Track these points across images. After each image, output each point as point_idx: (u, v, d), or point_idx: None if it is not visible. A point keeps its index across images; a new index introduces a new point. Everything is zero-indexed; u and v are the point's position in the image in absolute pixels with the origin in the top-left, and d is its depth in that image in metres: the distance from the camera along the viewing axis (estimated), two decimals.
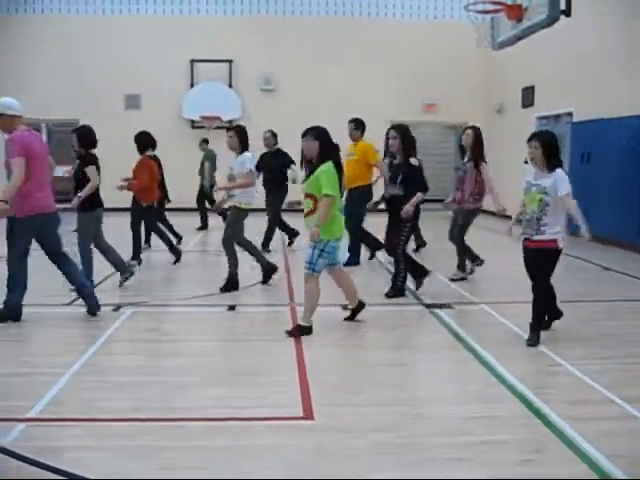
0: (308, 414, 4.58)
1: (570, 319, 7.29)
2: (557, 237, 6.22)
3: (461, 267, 9.23)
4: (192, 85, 19.50)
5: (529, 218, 6.27)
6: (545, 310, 6.54)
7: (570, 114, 14.63)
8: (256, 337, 6.54)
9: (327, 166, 6.36)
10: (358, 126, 10.50)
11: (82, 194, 8.06)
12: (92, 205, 8.22)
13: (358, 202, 10.04)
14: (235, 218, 8.62)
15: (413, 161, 8.08)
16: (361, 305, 7.06)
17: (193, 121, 19.27)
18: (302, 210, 6.63)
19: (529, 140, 6.34)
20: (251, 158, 8.69)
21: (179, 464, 3.87)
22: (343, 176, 6.71)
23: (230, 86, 19.53)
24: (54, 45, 18.92)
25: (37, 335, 6.71)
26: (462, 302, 7.96)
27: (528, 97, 16.72)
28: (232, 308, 7.69)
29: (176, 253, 10.68)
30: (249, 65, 19.38)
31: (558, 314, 6.75)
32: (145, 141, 10.53)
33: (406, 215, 7.96)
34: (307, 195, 6.48)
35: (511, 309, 7.59)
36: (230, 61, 19.46)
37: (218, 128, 19.13)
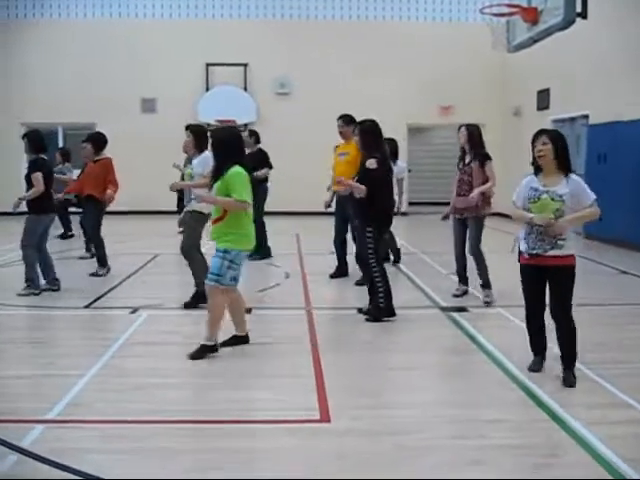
0: (325, 417, 4.60)
1: (587, 323, 7.26)
2: (574, 252, 5.42)
3: (487, 285, 8.19)
4: (207, 89, 19.58)
5: (541, 230, 5.26)
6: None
7: (586, 116, 14.58)
8: (273, 340, 6.56)
9: (237, 169, 5.87)
10: (349, 122, 9.29)
11: (22, 197, 8.44)
12: (45, 209, 8.44)
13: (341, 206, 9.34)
14: (195, 224, 7.71)
15: (369, 163, 7.16)
16: (245, 339, 6.39)
17: (208, 125, 19.32)
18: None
19: (536, 137, 5.37)
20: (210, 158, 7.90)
21: (197, 466, 3.89)
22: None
23: (245, 90, 19.60)
24: (70, 49, 19.06)
25: (55, 337, 6.77)
26: (478, 306, 7.95)
27: (544, 100, 16.68)
28: (249, 311, 7.71)
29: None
30: (264, 69, 19.44)
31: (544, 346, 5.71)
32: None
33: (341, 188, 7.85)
34: None
35: None
36: (245, 65, 19.53)
37: None
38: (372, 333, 6.94)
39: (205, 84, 19.59)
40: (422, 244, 13.04)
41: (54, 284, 8.70)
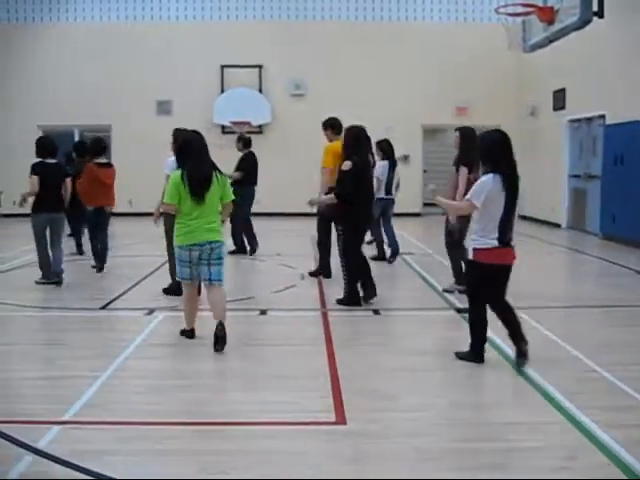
0: (341, 419, 4.58)
1: (605, 325, 7.24)
2: (475, 245, 5.69)
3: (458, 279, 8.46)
4: (222, 90, 19.61)
5: None
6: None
7: (602, 117, 14.47)
8: (288, 341, 6.56)
9: (174, 173, 6.36)
10: (326, 126, 9.70)
11: (20, 199, 9.12)
12: (39, 209, 8.95)
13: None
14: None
15: (343, 165, 7.80)
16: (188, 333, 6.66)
17: (224, 126, 19.37)
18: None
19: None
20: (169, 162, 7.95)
21: (213, 468, 3.89)
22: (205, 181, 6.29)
23: (260, 91, 19.62)
24: (86, 51, 19.14)
25: (72, 338, 6.79)
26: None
27: (560, 100, 16.58)
28: (264, 312, 7.72)
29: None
30: (279, 70, 19.45)
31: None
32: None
33: (312, 203, 8.52)
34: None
35: (544, 314, 7.52)
36: (260, 66, 19.55)
37: (248, 133, 19.23)
38: (387, 334, 6.93)
39: (220, 86, 19.62)
40: (437, 245, 12.93)
41: (58, 277, 9.09)
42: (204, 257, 6.24)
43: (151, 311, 7.56)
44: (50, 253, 9.15)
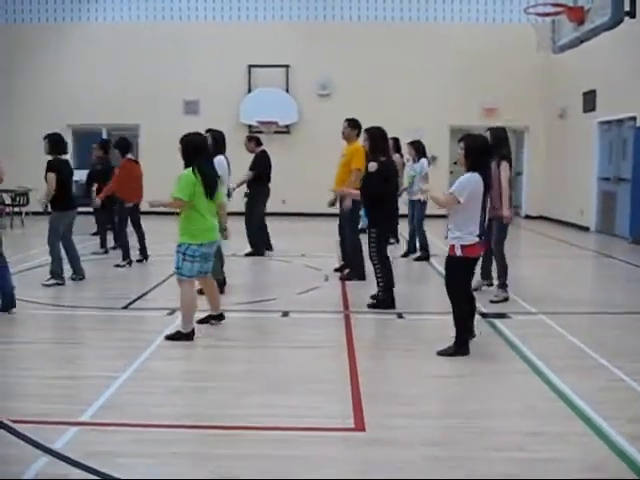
0: (360, 425, 4.51)
1: (633, 332, 7.08)
2: (454, 242, 5.93)
3: (503, 286, 8.27)
4: (249, 90, 19.63)
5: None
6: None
7: (634, 118, 14.22)
8: (310, 344, 6.50)
9: (186, 171, 6.39)
10: (354, 126, 9.62)
11: (44, 200, 9.05)
12: (63, 206, 9.00)
13: (350, 210, 9.38)
14: None
15: (370, 166, 7.80)
16: (221, 317, 7.01)
17: (250, 126, 19.37)
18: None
19: (459, 141, 6.14)
20: (222, 163, 8.14)
21: (229, 473, 3.84)
22: (216, 180, 6.56)
23: (287, 91, 19.60)
24: (114, 52, 19.29)
25: (92, 338, 6.81)
26: (519, 312, 7.76)
27: (590, 101, 16.33)
28: (286, 314, 7.67)
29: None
30: (306, 70, 19.41)
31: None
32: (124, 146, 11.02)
33: (345, 208, 8.50)
34: (173, 199, 6.54)
35: (570, 320, 7.40)
36: (287, 66, 19.53)
37: (276, 133, 19.24)
38: (410, 339, 6.84)
39: (247, 86, 19.64)
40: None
41: (80, 273, 9.31)
42: (210, 253, 6.56)
43: (172, 311, 7.54)
44: (64, 252, 9.19)
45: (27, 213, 17.07)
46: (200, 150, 6.52)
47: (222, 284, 8.29)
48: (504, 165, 8.08)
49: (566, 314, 7.68)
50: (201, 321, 6.86)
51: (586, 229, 16.34)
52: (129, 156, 10.93)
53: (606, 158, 15.83)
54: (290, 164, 18.63)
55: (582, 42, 11.85)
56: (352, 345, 6.40)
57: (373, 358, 6.09)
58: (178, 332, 6.45)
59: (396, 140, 12.55)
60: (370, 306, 7.85)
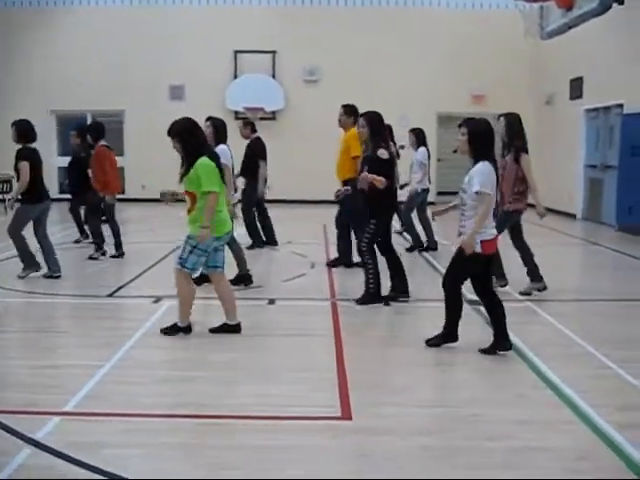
0: (346, 414, 4.48)
1: (620, 319, 7.08)
2: (481, 237, 5.56)
3: (536, 277, 7.91)
4: (236, 76, 19.49)
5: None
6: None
7: (620, 106, 14.21)
8: (296, 332, 6.45)
9: (204, 160, 5.91)
10: (350, 112, 9.15)
11: (12, 197, 8.61)
12: (31, 199, 8.39)
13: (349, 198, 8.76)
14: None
15: (381, 153, 7.23)
16: (237, 327, 6.36)
17: (237, 112, 19.23)
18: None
19: (459, 125, 5.68)
20: (226, 151, 7.92)
21: (213, 463, 3.80)
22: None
23: (273, 77, 19.47)
24: (99, 36, 19.06)
25: (76, 327, 6.73)
26: (506, 299, 7.69)
27: (577, 88, 16.31)
28: (272, 302, 7.62)
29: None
30: (293, 56, 19.26)
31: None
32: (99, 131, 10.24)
33: (361, 182, 7.30)
34: (186, 192, 6.06)
35: (557, 307, 7.39)
36: (274, 52, 19.39)
37: (262, 119, 19.11)
38: (398, 327, 6.82)
39: (233, 71, 19.50)
40: (453, 235, 12.84)
41: (55, 270, 8.65)
42: (222, 245, 6.30)
43: (158, 299, 7.48)
44: (39, 247, 8.69)
45: (9, 200, 16.84)
46: (202, 136, 6.17)
47: (249, 277, 8.30)
48: (525, 158, 7.60)
49: (554, 302, 7.67)
50: (213, 330, 6.37)
51: (573, 216, 16.36)
52: (103, 142, 10.13)
53: (593, 145, 15.83)
54: (276, 150, 18.38)
55: (570, 28, 11.84)
56: (339, 333, 6.36)
57: (360, 346, 6.04)
58: (175, 325, 6.24)
59: (388, 127, 12.13)
60: (359, 302, 7.45)
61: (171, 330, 6.20)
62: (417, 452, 3.95)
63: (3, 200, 16.74)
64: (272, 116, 19.56)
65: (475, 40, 18.59)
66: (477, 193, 5.48)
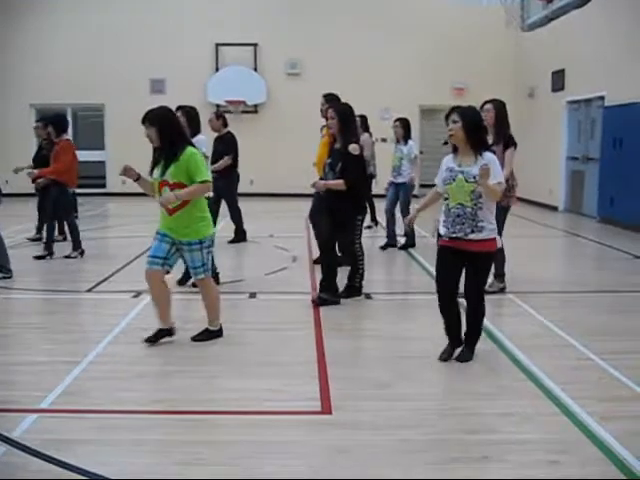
0: (327, 408, 4.44)
1: (601, 311, 7.09)
2: (495, 235, 5.22)
3: (500, 276, 7.64)
4: (217, 69, 19.36)
5: (459, 213, 5.10)
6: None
7: (602, 98, 14.25)
8: (277, 326, 6.41)
9: (192, 150, 5.55)
10: (331, 101, 8.52)
11: None
12: None
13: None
14: None
15: (353, 148, 6.93)
16: (219, 332, 5.98)
17: (218, 105, 19.08)
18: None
19: (448, 115, 5.18)
20: (205, 142, 7.71)
21: (196, 459, 3.75)
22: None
23: (255, 70, 19.36)
24: (79, 29, 18.88)
25: (55, 322, 6.64)
26: (488, 291, 7.69)
27: (558, 81, 16.34)
28: (253, 295, 7.57)
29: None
30: (274, 49, 19.18)
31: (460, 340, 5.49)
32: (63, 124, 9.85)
33: (317, 188, 7.16)
34: (167, 184, 5.52)
35: (540, 300, 7.38)
36: (255, 45, 19.27)
37: (243, 112, 19.03)
38: (380, 320, 6.78)
39: (215, 64, 19.36)
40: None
41: (4, 270, 8.25)
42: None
43: (138, 294, 7.40)
44: None
45: None
46: (181, 125, 5.86)
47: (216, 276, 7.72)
48: (511, 151, 7.26)
49: (535, 293, 7.67)
50: (196, 338, 5.94)
51: (554, 209, 16.40)
52: (67, 136, 9.82)
53: (575, 138, 15.87)
54: (258, 144, 18.43)
55: (551, 21, 11.82)
56: (320, 326, 6.32)
57: (341, 339, 6.00)
58: (207, 330, 5.91)
59: (364, 118, 11.65)
60: (343, 295, 7.28)
61: (205, 337, 5.89)
62: (396, 446, 3.91)
63: None
64: (254, 109, 19.46)
65: (457, 33, 18.54)
66: (499, 183, 5.09)
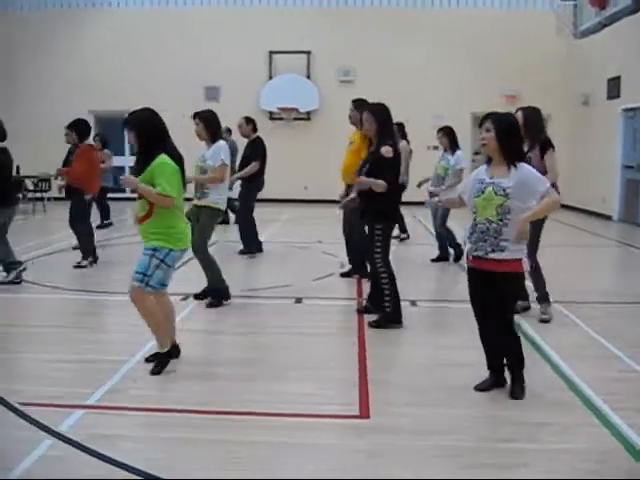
0: (365, 413, 4.49)
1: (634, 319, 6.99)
2: (521, 256, 4.72)
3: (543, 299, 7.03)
4: (270, 77, 19.58)
5: (484, 229, 4.70)
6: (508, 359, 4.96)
7: None
8: (320, 330, 6.48)
9: (163, 159, 5.13)
10: (358, 107, 8.22)
11: None
12: (11, 201, 8.07)
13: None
14: (209, 220, 7.31)
15: (386, 151, 6.42)
16: (174, 351, 5.44)
17: (271, 112, 19.34)
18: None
19: (481, 122, 4.84)
20: (225, 148, 7.42)
21: (236, 458, 3.85)
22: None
23: (308, 77, 19.52)
24: (137, 38, 19.33)
25: (103, 322, 6.84)
26: (534, 301, 7.64)
27: (614, 88, 16.07)
28: (299, 301, 7.65)
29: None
30: (327, 56, 19.32)
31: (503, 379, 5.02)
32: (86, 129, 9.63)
33: (359, 185, 6.57)
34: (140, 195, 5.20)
35: (585, 310, 7.28)
36: (308, 52, 19.45)
37: (296, 119, 19.20)
38: (424, 327, 6.79)
39: (268, 72, 19.59)
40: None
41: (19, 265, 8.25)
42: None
43: (186, 297, 7.55)
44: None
45: (49, 199, 17.22)
46: (163, 129, 5.34)
47: (226, 292, 7.41)
48: (550, 154, 6.70)
49: (583, 304, 7.57)
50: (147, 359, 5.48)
51: (608, 218, 16.12)
52: (89, 141, 9.72)
53: (630, 145, 15.59)
54: (311, 151, 18.59)
55: (604, 27, 11.65)
56: (362, 332, 6.37)
57: (384, 345, 6.03)
58: (157, 354, 5.34)
59: (401, 125, 11.34)
60: (374, 325, 6.58)
61: (160, 365, 5.24)
62: (431, 452, 3.94)
63: (42, 198, 17.09)
64: (307, 117, 19.62)
65: (508, 40, 18.41)
66: (547, 189, 4.64)
